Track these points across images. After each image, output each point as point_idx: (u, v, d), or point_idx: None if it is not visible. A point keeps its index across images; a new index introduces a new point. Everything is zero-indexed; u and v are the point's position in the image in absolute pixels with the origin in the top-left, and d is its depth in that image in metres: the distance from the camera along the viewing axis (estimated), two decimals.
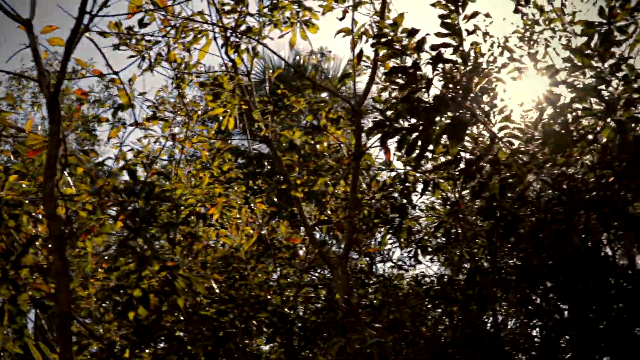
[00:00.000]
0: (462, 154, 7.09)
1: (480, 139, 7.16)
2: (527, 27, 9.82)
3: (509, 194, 6.70)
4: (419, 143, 6.61)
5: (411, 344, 8.96)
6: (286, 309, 7.32)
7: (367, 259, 9.74)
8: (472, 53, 10.14)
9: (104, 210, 5.97)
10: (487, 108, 7.15)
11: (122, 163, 8.19)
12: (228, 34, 8.82)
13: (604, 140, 6.19)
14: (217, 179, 8.16)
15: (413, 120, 6.55)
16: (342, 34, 8.63)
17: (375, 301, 8.69)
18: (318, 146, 9.24)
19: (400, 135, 6.74)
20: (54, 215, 5.26)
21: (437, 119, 6.56)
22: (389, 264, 9.91)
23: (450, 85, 6.87)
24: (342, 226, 8.64)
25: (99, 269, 7.17)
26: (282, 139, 8.79)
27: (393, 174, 9.03)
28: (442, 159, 8.58)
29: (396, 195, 8.91)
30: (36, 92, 19.43)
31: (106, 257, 7.37)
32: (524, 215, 6.83)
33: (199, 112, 9.40)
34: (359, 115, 8.45)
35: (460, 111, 6.63)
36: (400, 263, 9.61)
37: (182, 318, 6.75)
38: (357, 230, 8.73)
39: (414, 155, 6.71)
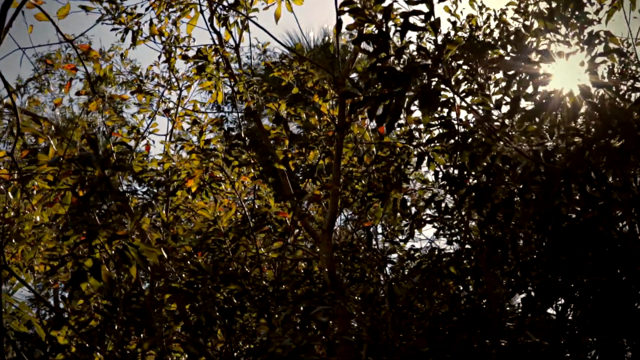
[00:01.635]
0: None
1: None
2: None
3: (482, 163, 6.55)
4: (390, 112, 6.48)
5: (405, 319, 8.87)
6: (264, 282, 7.25)
7: (364, 232, 9.65)
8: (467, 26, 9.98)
9: (60, 180, 5.94)
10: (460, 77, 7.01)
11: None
12: (214, 7, 8.75)
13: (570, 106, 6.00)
14: (194, 151, 8.10)
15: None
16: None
17: (367, 275, 8.60)
18: (311, 120, 9.16)
19: (370, 105, 6.61)
20: None
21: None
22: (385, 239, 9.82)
23: (423, 54, 6.73)
24: (319, 198, 8.54)
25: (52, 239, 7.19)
26: (267, 112, 8.71)
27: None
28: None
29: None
30: (63, 75, 19.63)
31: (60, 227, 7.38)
32: (496, 185, 6.65)
33: (192, 87, 9.38)
34: (341, 86, 8.32)
35: (433, 79, 6.48)
36: (392, 237, 9.46)
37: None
38: (347, 203, 8.64)
39: (386, 124, 6.58)
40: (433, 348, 8.64)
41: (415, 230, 9.42)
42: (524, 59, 6.20)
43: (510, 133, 6.35)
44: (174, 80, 9.43)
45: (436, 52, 6.65)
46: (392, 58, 6.72)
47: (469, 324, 8.81)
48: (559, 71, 6.07)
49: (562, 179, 6.48)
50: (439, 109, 7.47)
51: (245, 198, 9.21)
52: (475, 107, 6.54)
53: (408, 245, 9.38)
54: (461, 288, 8.84)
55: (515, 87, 6.30)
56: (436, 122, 8.46)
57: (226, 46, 9.15)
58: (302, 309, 5.46)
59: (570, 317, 8.07)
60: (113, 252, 5.72)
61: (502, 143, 6.34)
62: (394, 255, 9.38)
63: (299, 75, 8.89)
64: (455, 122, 6.96)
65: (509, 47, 6.30)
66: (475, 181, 6.63)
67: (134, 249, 5.68)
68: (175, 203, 8.70)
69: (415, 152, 8.90)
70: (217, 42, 9.03)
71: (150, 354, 6.71)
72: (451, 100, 6.93)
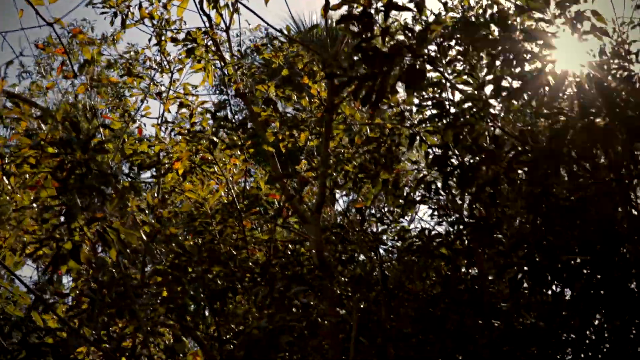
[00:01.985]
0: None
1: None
2: None
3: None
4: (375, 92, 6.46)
5: (396, 299, 8.85)
6: (250, 264, 7.24)
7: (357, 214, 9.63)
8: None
9: (42, 163, 5.93)
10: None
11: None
12: None
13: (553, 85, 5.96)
14: (180, 133, 8.09)
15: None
16: None
17: (357, 257, 8.60)
18: (302, 101, 9.14)
19: (354, 85, 6.58)
20: None
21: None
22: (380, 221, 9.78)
23: (408, 34, 6.69)
24: (305, 179, 8.51)
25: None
26: (257, 94, 8.68)
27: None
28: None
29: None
30: (66, 61, 19.59)
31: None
32: (481, 164, 6.61)
33: (184, 70, 9.35)
34: (330, 67, 8.26)
35: (418, 59, 6.44)
36: (384, 218, 9.42)
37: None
38: (338, 185, 8.62)
39: (370, 104, 6.55)
40: (424, 329, 8.65)
41: (408, 211, 9.43)
42: (509, 38, 6.15)
43: (495, 112, 6.31)
44: (165, 63, 9.40)
45: (421, 33, 6.61)
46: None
47: (461, 304, 8.80)
48: (545, 50, 6.03)
49: (547, 159, 6.44)
50: (432, 89, 7.44)
51: (241, 180, 9.22)
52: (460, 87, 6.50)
53: (400, 226, 9.31)
54: (453, 269, 8.83)
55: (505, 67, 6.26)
56: (428, 103, 8.43)
57: (217, 29, 9.10)
58: (279, 289, 5.45)
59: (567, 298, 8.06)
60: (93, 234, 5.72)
61: (487, 122, 6.30)
62: (386, 237, 9.34)
63: (288, 57, 8.86)
64: (447, 102, 6.91)
65: (493, 27, 6.24)
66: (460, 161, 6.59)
67: (113, 231, 5.68)
68: (167, 185, 8.69)
69: (407, 133, 8.87)
70: (207, 25, 8.99)
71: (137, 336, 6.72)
72: (443, 81, 6.90)
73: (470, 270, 8.80)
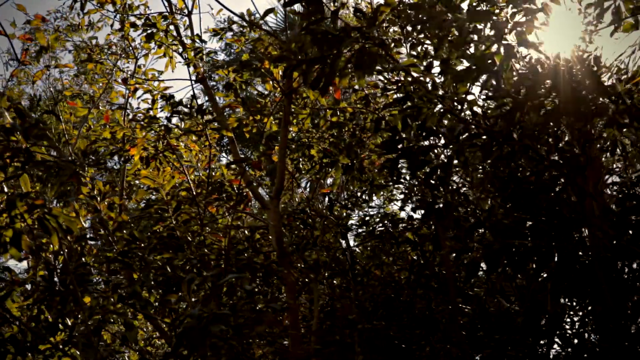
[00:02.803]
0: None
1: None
2: None
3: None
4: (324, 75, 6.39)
5: (362, 286, 8.80)
6: (205, 250, 7.18)
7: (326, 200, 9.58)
8: None
9: None
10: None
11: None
12: None
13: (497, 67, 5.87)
14: (134, 119, 8.02)
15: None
16: None
17: (318, 242, 8.53)
18: (267, 86, 9.08)
19: (303, 68, 6.51)
20: None
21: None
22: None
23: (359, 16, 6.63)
24: (259, 165, 8.45)
25: None
26: (218, 79, 8.62)
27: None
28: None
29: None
30: (30, 47, 19.52)
31: None
32: (432, 147, 6.54)
33: (149, 56, 9.27)
34: (288, 50, 8.16)
35: (368, 42, 6.36)
36: (348, 203, 9.38)
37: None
38: (300, 170, 8.57)
39: (319, 88, 6.48)
40: (390, 315, 8.60)
41: (374, 195, 9.37)
42: (455, 18, 6.07)
43: (443, 95, 6.23)
44: (130, 49, 9.33)
45: (371, 14, 6.54)
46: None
47: (428, 290, 8.75)
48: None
49: (498, 141, 6.38)
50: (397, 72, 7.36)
51: (213, 166, 9.17)
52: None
53: (363, 211, 9.28)
54: (420, 254, 8.78)
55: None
56: (393, 87, 8.36)
57: (179, 13, 9.02)
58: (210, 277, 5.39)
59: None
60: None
61: (434, 105, 6.22)
62: (351, 222, 9.30)
63: (249, 42, 8.78)
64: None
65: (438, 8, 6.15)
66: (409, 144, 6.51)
67: (54, 218, 5.62)
68: (130, 172, 8.65)
69: (372, 117, 8.81)
70: (168, 9, 8.91)
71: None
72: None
73: (436, 256, 8.75)
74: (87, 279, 6.42)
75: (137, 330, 6.66)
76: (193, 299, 6.34)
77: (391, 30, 8.70)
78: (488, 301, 9.09)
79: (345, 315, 8.02)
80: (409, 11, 6.24)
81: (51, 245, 5.95)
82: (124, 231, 6.79)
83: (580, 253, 6.87)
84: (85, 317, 6.54)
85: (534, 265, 6.90)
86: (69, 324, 6.78)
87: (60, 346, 6.88)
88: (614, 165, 9.18)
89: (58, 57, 9.82)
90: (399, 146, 6.41)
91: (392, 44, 8.80)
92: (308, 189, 9.79)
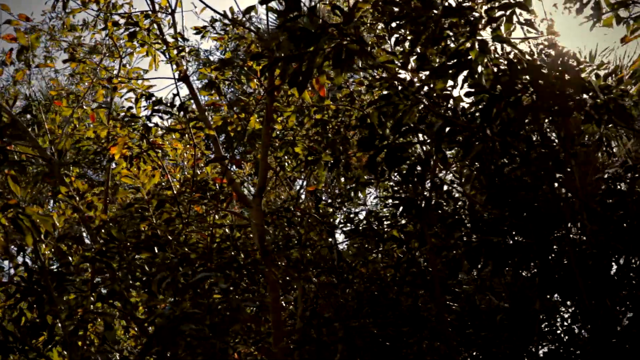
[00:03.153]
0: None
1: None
2: None
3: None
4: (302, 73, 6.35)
5: (347, 284, 8.75)
6: (186, 249, 7.16)
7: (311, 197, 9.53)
8: None
9: None
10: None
11: None
12: None
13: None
14: (114, 118, 8.00)
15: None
16: None
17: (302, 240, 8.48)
18: (251, 84, 9.05)
19: (281, 66, 6.48)
20: None
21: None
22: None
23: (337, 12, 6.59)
24: (239, 162, 8.43)
25: None
26: (199, 77, 8.59)
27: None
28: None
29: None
30: (49, 47, 19.53)
31: None
32: (410, 144, 6.51)
33: (134, 55, 9.25)
34: (274, 48, 8.13)
35: (346, 39, 6.33)
36: (330, 201, 9.35)
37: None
38: (282, 168, 8.54)
39: (297, 85, 6.45)
40: (374, 312, 8.55)
41: (359, 193, 9.32)
42: (432, 14, 6.04)
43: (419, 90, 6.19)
44: (114, 48, 9.31)
45: (349, 11, 6.51)
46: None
47: (414, 287, 8.70)
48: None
49: (478, 138, 6.35)
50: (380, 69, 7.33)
51: (202, 165, 9.15)
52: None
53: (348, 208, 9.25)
54: (406, 251, 8.73)
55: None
56: (377, 84, 8.32)
57: (162, 12, 8.99)
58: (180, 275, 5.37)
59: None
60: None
61: (410, 101, 6.18)
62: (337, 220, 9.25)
63: (232, 40, 8.75)
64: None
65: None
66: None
67: (27, 218, 5.61)
68: (115, 171, 8.62)
69: (357, 115, 8.77)
70: (151, 8, 8.88)
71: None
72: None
73: (422, 253, 8.70)
74: (67, 278, 6.40)
75: (115, 331, 6.64)
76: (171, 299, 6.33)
77: (379, 27, 8.67)
78: (478, 298, 9.06)
79: (322, 313, 7.97)
80: (381, 7, 6.20)
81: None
82: (102, 230, 6.77)
83: (556, 250, 6.84)
84: (63, 317, 6.53)
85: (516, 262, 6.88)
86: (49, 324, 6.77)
87: (41, 347, 6.87)
88: (611, 161, 9.12)
89: (54, 57, 9.78)
90: (376, 143, 6.37)
91: (376, 41, 8.79)
92: (298, 187, 9.75)
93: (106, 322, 6.57)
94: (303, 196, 10.14)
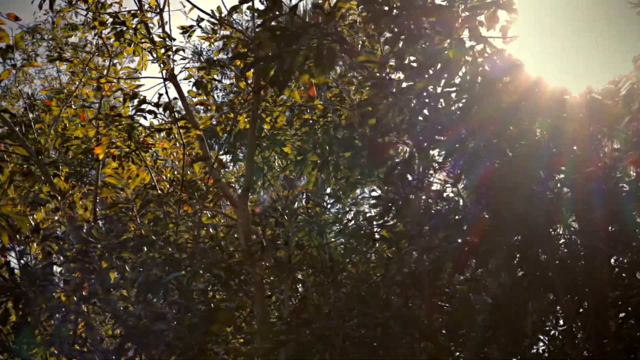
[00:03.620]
0: None
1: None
2: None
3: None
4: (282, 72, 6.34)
5: (336, 284, 8.71)
6: (169, 249, 7.13)
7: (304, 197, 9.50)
8: None
9: None
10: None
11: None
12: None
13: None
14: (96, 117, 7.98)
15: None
16: None
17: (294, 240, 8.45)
18: (240, 84, 9.02)
19: (262, 65, 6.47)
20: None
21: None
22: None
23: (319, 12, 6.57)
24: (221, 161, 8.42)
25: None
26: (187, 76, 8.58)
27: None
28: None
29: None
30: (51, 47, 19.56)
31: None
32: (392, 144, 6.48)
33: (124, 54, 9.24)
34: (255, 47, 8.10)
35: (327, 38, 6.30)
36: (319, 201, 9.31)
37: None
38: (270, 167, 8.52)
39: (278, 85, 6.44)
40: (364, 313, 8.51)
41: (349, 193, 9.30)
42: (411, 14, 6.00)
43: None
44: (104, 47, 9.29)
45: (330, 11, 6.50)
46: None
47: (405, 287, 8.66)
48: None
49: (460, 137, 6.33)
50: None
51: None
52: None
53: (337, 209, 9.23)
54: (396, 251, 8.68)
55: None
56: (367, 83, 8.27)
57: (150, 11, 8.95)
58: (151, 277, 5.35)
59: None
60: None
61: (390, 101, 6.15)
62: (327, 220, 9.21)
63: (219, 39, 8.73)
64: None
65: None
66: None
67: (3, 217, 5.60)
68: (105, 171, 8.59)
69: (345, 114, 8.73)
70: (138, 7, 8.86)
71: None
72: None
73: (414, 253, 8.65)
74: (48, 278, 6.39)
75: (96, 331, 6.61)
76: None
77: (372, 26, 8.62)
78: (472, 298, 9.01)
79: (300, 314, 7.92)
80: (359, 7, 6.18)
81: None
82: (83, 230, 6.75)
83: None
84: (43, 318, 6.52)
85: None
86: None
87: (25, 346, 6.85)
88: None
89: (41, 55, 9.80)
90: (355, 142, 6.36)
91: (367, 41, 8.75)
92: (291, 187, 9.69)
93: (87, 322, 6.54)
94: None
